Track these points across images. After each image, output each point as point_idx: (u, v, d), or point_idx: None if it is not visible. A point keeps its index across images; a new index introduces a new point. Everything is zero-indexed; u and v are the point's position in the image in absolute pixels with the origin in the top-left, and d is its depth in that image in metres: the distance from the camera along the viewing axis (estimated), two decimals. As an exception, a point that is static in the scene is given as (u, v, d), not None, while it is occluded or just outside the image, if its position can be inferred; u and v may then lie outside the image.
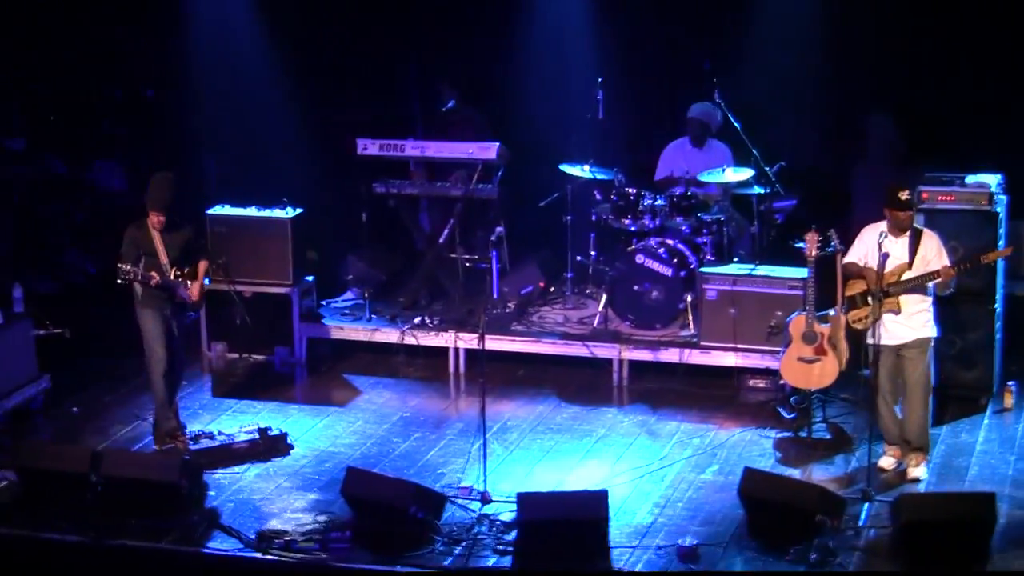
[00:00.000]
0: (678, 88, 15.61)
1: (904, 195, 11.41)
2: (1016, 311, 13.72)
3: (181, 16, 16.74)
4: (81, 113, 17.54)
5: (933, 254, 11.49)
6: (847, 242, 11.86)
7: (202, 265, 12.52)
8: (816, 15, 15.39)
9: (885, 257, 11.33)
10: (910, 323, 11.50)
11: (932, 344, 11.62)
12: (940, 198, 12.91)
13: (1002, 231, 12.87)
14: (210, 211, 14.70)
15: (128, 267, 12.03)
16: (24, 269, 15.33)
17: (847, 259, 11.70)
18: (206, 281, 12.53)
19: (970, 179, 13.08)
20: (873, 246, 11.42)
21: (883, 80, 15.43)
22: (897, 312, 11.46)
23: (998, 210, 12.81)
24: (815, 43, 15.45)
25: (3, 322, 13.21)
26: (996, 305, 12.95)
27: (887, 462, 11.79)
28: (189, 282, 12.32)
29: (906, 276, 11.45)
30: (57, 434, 12.98)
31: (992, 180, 13.04)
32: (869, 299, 11.46)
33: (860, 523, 10.77)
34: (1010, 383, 13.00)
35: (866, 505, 10.98)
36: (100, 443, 12.54)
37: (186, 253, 12.38)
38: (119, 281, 12.07)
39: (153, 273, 12.08)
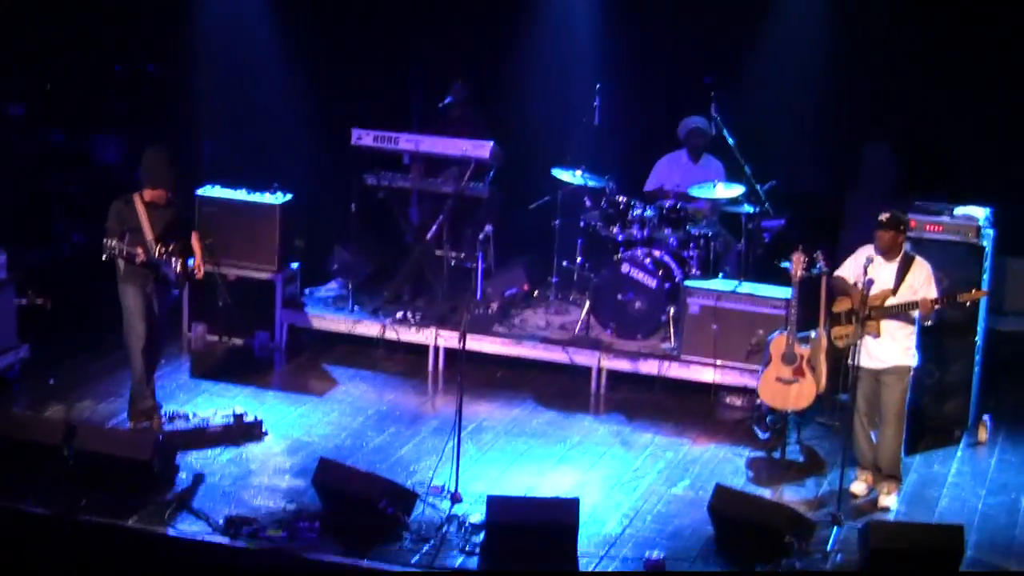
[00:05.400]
0: (676, 100, 15.59)
1: (882, 216, 11.44)
2: (996, 346, 13.77)
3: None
4: (81, 84, 17.51)
5: (921, 283, 11.51)
6: (833, 265, 11.90)
7: (195, 238, 12.48)
8: (821, 39, 15.49)
9: (869, 283, 11.34)
10: (892, 349, 11.52)
11: (911, 372, 11.64)
12: (928, 228, 12.90)
13: (987, 265, 12.87)
14: (200, 191, 14.68)
15: (114, 243, 11.96)
16: (13, 237, 15.27)
17: (839, 272, 11.76)
18: (190, 261, 12.47)
19: (959, 211, 13.08)
20: (862, 267, 11.44)
21: (882, 108, 15.53)
22: (876, 336, 11.48)
23: (984, 244, 12.82)
24: (817, 67, 15.57)
25: (-15, 288, 13.17)
26: (977, 339, 12.97)
27: (859, 488, 11.81)
28: (175, 259, 12.26)
29: (888, 303, 11.47)
30: (32, 404, 12.91)
31: (981, 213, 13.05)
32: (853, 319, 11.49)
33: (828, 547, 10.76)
34: (985, 417, 13.03)
35: (835, 529, 10.98)
36: (75, 416, 12.54)
37: (170, 230, 12.32)
38: (104, 256, 12.03)
39: (139, 250, 12.00)
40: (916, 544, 10.39)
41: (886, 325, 11.50)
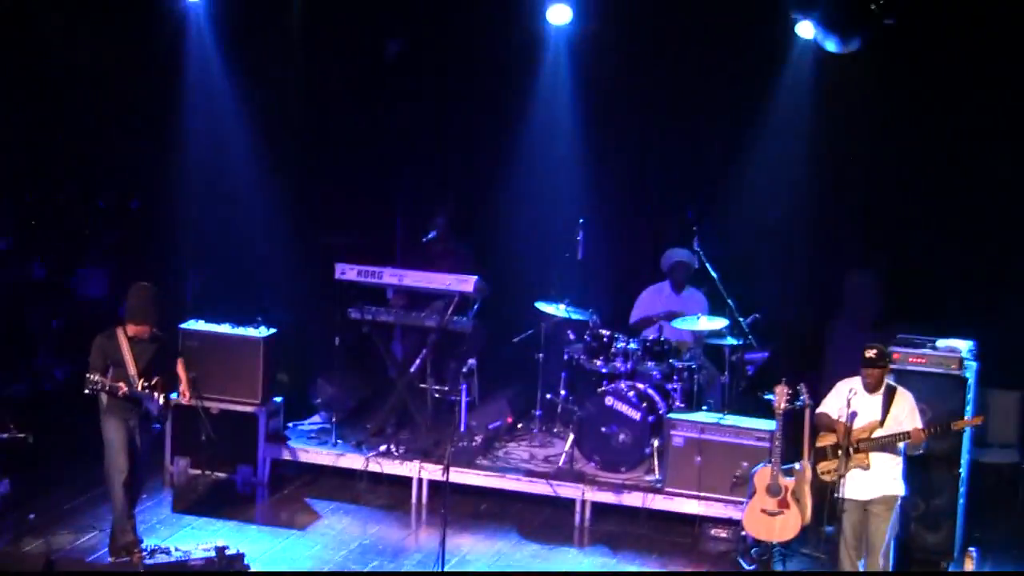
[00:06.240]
0: (658, 234, 15.70)
1: (870, 353, 11.47)
2: (981, 478, 13.73)
3: (175, 130, 16.87)
4: (66, 219, 17.57)
5: (905, 414, 11.55)
6: (817, 397, 11.92)
7: (180, 364, 12.51)
8: (801, 172, 15.56)
9: (853, 416, 11.39)
10: (879, 479, 11.53)
11: (899, 501, 11.60)
12: (911, 359, 12.93)
13: (970, 396, 12.88)
14: (183, 325, 14.68)
15: (96, 377, 11.98)
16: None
17: (822, 409, 11.75)
18: (173, 395, 12.48)
19: (941, 343, 13.14)
20: (845, 401, 11.46)
21: (865, 238, 15.60)
22: (866, 468, 11.48)
23: (967, 375, 12.85)
24: (799, 197, 15.64)
25: (-36, 422, 13.11)
26: (962, 470, 12.94)
27: (846, 620, 11.76)
28: (157, 394, 12.26)
29: (877, 434, 11.48)
30: (13, 540, 12.76)
31: (964, 346, 13.10)
32: (839, 452, 11.47)
33: None
34: (971, 549, 12.97)
35: (821, 664, 10.91)
36: (55, 552, 12.39)
37: (153, 364, 12.33)
38: (87, 391, 12.02)
39: (121, 384, 12.03)
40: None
41: (874, 456, 11.49)
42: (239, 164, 17.00)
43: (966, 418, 12.44)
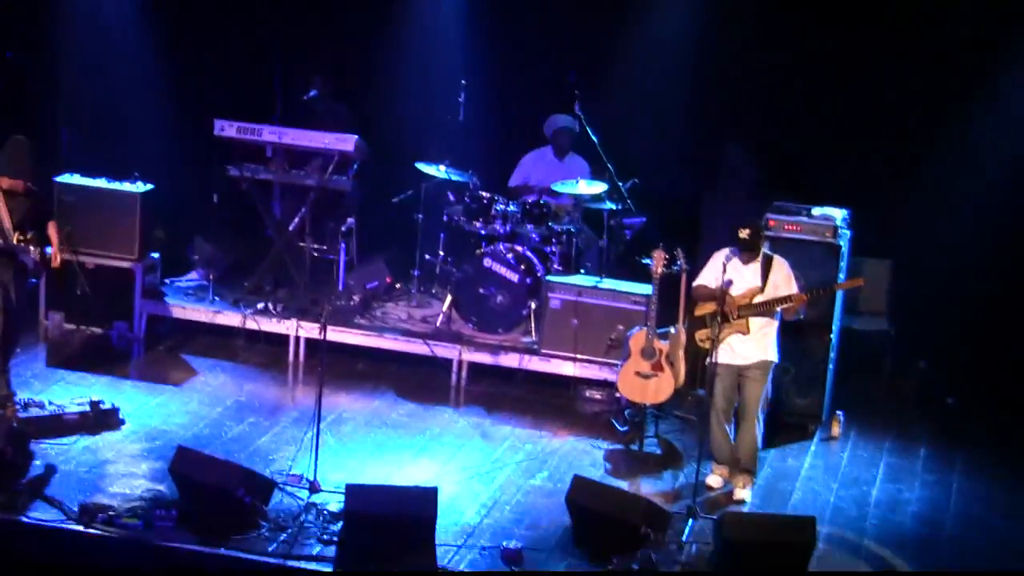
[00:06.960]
0: (539, 98, 15.65)
1: (743, 234, 11.57)
2: (850, 344, 13.98)
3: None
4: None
5: (783, 280, 11.69)
6: (693, 263, 12.05)
7: (52, 227, 12.34)
8: (683, 40, 15.66)
9: (728, 283, 11.52)
10: (756, 345, 11.68)
11: (772, 367, 11.80)
12: (786, 227, 13.11)
13: (843, 264, 13.11)
14: (58, 178, 14.47)
15: (-31, 229, 11.84)
16: None
17: (699, 281, 11.85)
18: (48, 249, 12.34)
19: (816, 211, 13.32)
20: (721, 269, 11.59)
21: (742, 109, 15.68)
22: (746, 334, 11.62)
23: (841, 243, 13.05)
24: (679, 67, 15.71)
25: None
26: (832, 336, 13.19)
27: (714, 481, 11.97)
28: (33, 247, 12.11)
29: (758, 299, 11.62)
30: None
31: (838, 214, 13.29)
32: (719, 320, 11.59)
33: (683, 538, 10.89)
34: (838, 412, 13.28)
35: (690, 521, 11.11)
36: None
37: (28, 218, 12.17)
38: (-42, 242, 11.89)
39: (-7, 236, 11.91)
40: (769, 535, 10.51)
41: (752, 322, 11.65)
42: (118, 18, 16.67)
43: (850, 280, 12.68)
